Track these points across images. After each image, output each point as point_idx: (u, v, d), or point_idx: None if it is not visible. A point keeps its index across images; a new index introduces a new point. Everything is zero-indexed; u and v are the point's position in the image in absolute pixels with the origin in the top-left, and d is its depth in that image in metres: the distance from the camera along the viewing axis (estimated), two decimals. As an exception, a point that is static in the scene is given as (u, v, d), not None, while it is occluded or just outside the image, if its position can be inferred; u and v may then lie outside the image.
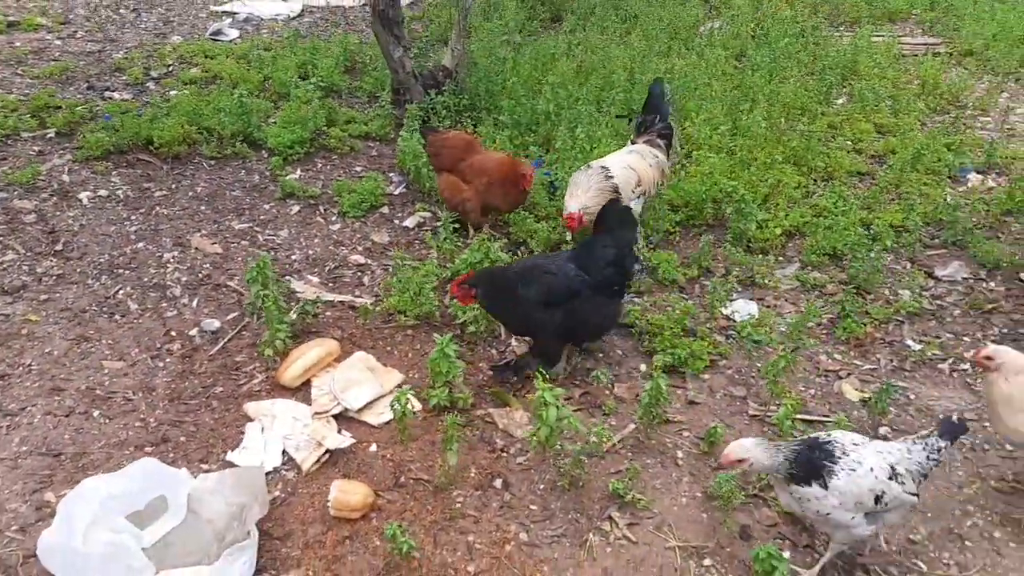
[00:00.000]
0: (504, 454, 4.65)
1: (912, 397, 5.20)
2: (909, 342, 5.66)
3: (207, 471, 4.36)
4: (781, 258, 6.60)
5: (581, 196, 5.90)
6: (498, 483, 4.44)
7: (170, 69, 9.79)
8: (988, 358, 4.06)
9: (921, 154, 7.66)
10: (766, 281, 6.23)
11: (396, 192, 7.31)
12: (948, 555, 4.12)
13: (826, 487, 3.64)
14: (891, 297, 6.11)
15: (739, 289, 6.11)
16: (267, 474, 4.40)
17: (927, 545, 4.16)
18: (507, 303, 4.97)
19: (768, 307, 5.99)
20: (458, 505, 4.31)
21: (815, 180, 7.60)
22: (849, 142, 8.43)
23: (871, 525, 3.74)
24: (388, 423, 4.76)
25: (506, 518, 4.25)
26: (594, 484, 4.43)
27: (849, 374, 5.37)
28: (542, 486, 4.44)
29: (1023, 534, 4.21)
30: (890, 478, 3.66)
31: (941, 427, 3.91)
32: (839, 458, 3.68)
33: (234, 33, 11.34)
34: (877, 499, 3.64)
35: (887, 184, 7.43)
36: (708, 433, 4.65)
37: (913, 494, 3.72)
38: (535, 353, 5.18)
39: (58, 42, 10.69)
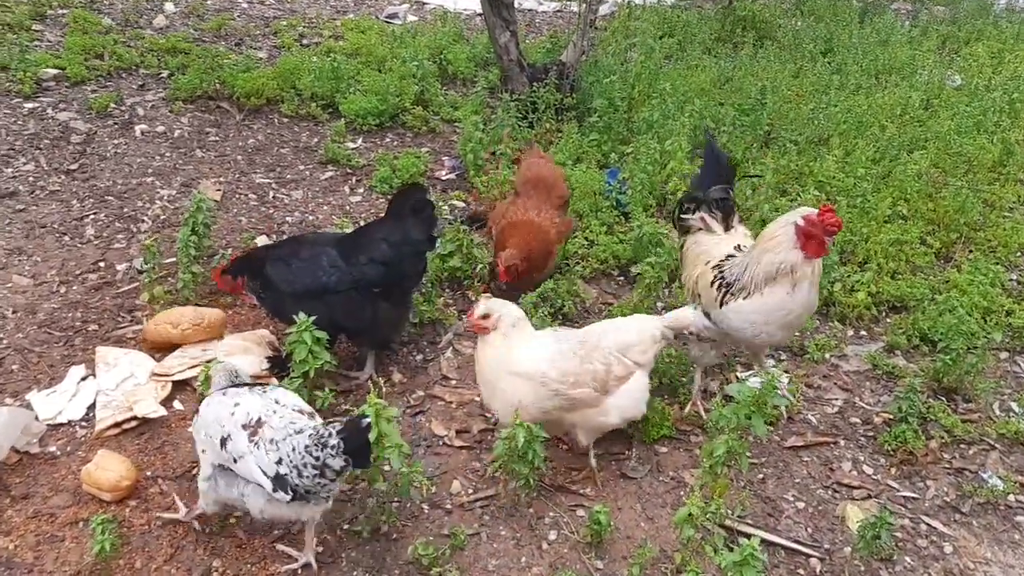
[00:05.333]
0: (334, 477, 3.65)
1: (947, 550, 3.55)
2: (987, 476, 3.95)
3: (8, 405, 3.79)
4: (864, 332, 5.00)
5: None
6: (297, 508, 3.46)
7: (322, 39, 9.69)
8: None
9: None
10: (825, 355, 4.71)
11: (444, 176, 6.48)
12: None
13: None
14: (996, 412, 4.37)
15: (778, 356, 4.67)
16: (59, 426, 3.75)
17: None
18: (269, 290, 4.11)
19: (809, 386, 4.50)
20: (232, 521, 3.39)
21: (971, 250, 5.81)
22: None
23: (211, 483, 3.06)
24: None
25: (277, 552, 3.27)
26: (410, 540, 3.32)
27: (869, 496, 3.81)
28: (346, 526, 3.40)
29: None
30: (246, 427, 2.97)
31: (347, 424, 2.91)
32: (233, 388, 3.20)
33: (409, 17, 11.12)
34: (224, 442, 2.98)
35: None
36: (591, 517, 3.37)
37: (278, 483, 2.88)
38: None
39: (245, 5, 11.01)
